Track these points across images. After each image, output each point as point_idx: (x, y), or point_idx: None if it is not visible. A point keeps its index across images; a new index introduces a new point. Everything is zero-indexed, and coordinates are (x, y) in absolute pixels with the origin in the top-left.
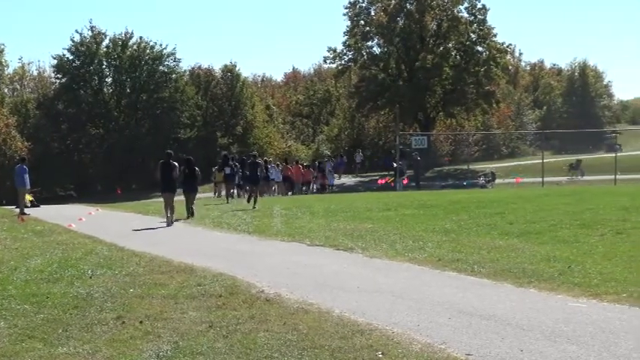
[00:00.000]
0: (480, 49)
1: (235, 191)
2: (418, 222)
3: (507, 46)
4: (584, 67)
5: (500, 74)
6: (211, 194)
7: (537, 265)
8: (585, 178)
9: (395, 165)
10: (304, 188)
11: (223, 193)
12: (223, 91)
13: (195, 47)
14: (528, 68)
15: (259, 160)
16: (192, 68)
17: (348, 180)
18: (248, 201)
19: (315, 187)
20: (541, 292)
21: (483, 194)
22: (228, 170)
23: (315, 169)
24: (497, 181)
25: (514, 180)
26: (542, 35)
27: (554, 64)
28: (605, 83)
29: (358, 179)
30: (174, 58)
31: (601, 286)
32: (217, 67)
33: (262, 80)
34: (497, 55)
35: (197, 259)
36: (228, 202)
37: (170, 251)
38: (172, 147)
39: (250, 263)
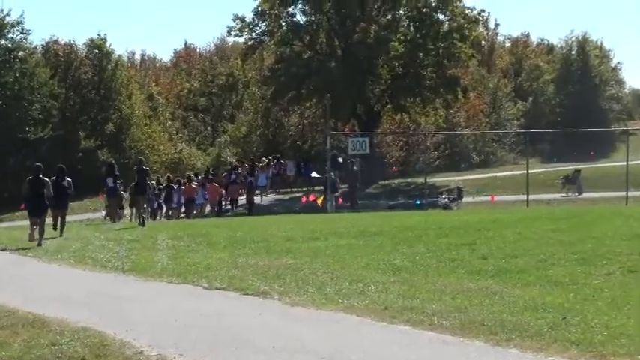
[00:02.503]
0: (441, 17)
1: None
2: (357, 256)
3: (479, 14)
4: (583, 44)
5: (468, 52)
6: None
7: (520, 315)
8: (585, 195)
9: (320, 176)
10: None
11: (123, 212)
12: (89, 76)
13: (50, 15)
14: (508, 45)
15: (147, 167)
16: (47, 43)
17: (261, 197)
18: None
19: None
20: (525, 352)
21: (447, 218)
22: (111, 182)
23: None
24: (466, 199)
25: (488, 198)
26: (528, 3)
27: (543, 40)
28: (612, 65)
29: (274, 197)
30: (22, 29)
31: (607, 344)
32: (81, 43)
33: (143, 60)
34: (466, 26)
35: (51, 307)
36: (141, 225)
37: (14, 296)
38: (19, 151)
39: (125, 313)
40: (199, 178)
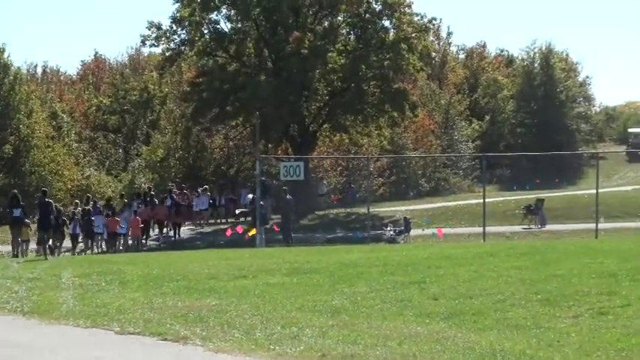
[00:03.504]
0: (386, 24)
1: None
2: (290, 296)
3: (429, 22)
4: (547, 55)
5: (417, 65)
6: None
7: None
8: (550, 227)
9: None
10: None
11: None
12: None
13: None
14: (462, 56)
15: (50, 200)
16: None
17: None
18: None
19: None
20: None
21: (392, 253)
22: (17, 213)
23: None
24: (414, 232)
25: (437, 231)
26: (486, 12)
27: (502, 50)
28: (580, 80)
29: (196, 230)
30: None
31: None
32: None
33: (45, 73)
34: (413, 36)
35: None
36: (45, 258)
37: None
38: None
39: None
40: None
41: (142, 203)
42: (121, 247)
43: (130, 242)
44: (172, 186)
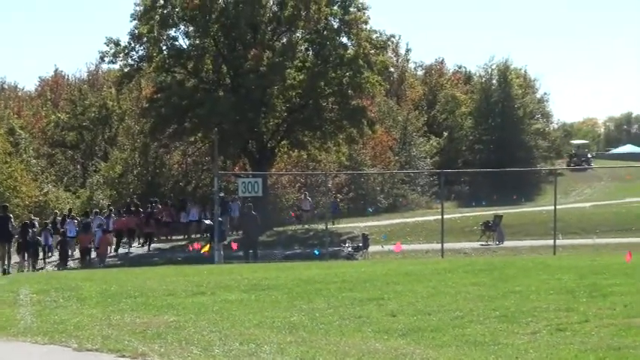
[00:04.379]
0: (344, 41)
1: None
2: (248, 313)
3: (388, 39)
4: (505, 72)
5: (375, 81)
6: None
7: None
8: (508, 244)
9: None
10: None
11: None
12: None
13: None
14: (421, 73)
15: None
16: None
17: (139, 248)
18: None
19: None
20: None
21: (350, 269)
22: None
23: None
24: (372, 248)
25: (394, 247)
26: (444, 29)
27: (460, 67)
28: (538, 97)
29: (153, 246)
30: None
31: None
32: None
33: (3, 89)
34: (372, 52)
35: None
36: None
37: None
38: None
39: None
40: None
41: (115, 214)
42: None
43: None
44: (155, 200)
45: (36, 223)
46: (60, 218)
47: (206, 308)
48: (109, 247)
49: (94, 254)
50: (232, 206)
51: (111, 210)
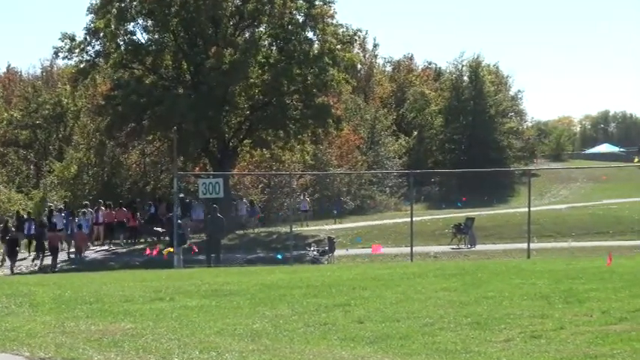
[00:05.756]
0: (310, 36)
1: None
2: (209, 320)
3: (354, 34)
4: (476, 68)
5: (342, 78)
6: None
7: None
8: (480, 247)
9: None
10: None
11: None
12: None
13: None
14: (389, 69)
15: None
16: None
17: (94, 251)
18: None
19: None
20: None
21: (316, 274)
22: None
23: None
24: (339, 252)
25: (365, 251)
26: (413, 24)
27: (430, 63)
28: (511, 94)
29: (110, 249)
30: None
31: None
32: None
33: None
34: (338, 48)
35: None
36: None
37: None
38: None
39: None
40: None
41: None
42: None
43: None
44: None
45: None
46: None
47: (165, 315)
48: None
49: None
50: (195, 208)
51: (100, 203)
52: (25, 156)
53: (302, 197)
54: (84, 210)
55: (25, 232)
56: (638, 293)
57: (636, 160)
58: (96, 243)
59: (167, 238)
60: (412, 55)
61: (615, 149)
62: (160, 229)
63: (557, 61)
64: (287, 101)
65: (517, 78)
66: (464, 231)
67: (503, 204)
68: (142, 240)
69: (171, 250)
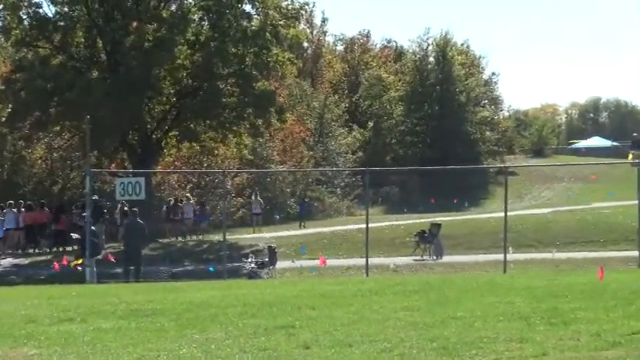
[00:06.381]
0: (248, 10)
1: None
2: (127, 344)
3: (300, 8)
4: (444, 47)
5: (285, 59)
6: None
7: None
8: (447, 259)
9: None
10: None
11: None
12: None
13: None
14: (341, 48)
15: None
16: None
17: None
18: None
19: None
20: None
21: (254, 290)
22: None
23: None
24: (281, 264)
25: (312, 262)
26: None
27: (390, 41)
28: (485, 78)
29: (11, 262)
30: None
31: None
32: None
33: None
34: (281, 24)
35: None
36: None
37: None
38: None
39: None
40: None
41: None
42: None
43: None
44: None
45: None
46: None
47: (75, 339)
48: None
49: None
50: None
51: (20, 203)
52: None
53: (253, 198)
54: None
55: None
56: (634, 313)
57: (630, 156)
58: (8, 252)
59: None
60: (368, 32)
61: (607, 143)
62: (77, 235)
63: (539, 40)
64: (221, 86)
65: (491, 59)
66: (428, 239)
67: (476, 207)
68: (70, 248)
69: (80, 261)
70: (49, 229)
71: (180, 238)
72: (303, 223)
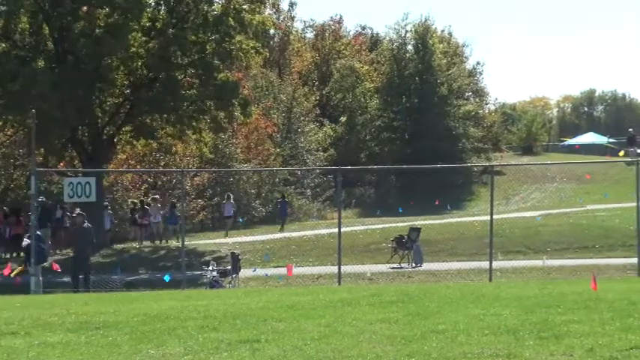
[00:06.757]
0: None
1: None
2: None
3: None
4: (424, 35)
5: (250, 47)
6: None
7: None
8: (427, 266)
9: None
10: None
11: None
12: None
13: None
14: (311, 36)
15: None
16: None
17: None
18: None
19: None
20: None
21: (215, 301)
22: None
23: None
24: (245, 272)
25: (280, 271)
26: None
27: (364, 28)
28: (469, 68)
29: None
30: None
31: None
32: None
33: None
34: (245, 8)
35: None
36: None
37: None
38: None
39: None
40: None
41: None
42: None
43: None
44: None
45: None
46: None
47: (18, 354)
48: None
49: None
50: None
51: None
52: None
53: (226, 199)
54: None
55: None
56: (632, 326)
57: (622, 152)
58: None
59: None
60: (341, 18)
61: (603, 139)
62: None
63: (527, 28)
64: (179, 77)
65: (476, 48)
66: (407, 245)
67: (459, 210)
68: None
69: (22, 269)
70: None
71: (147, 243)
72: (282, 225)
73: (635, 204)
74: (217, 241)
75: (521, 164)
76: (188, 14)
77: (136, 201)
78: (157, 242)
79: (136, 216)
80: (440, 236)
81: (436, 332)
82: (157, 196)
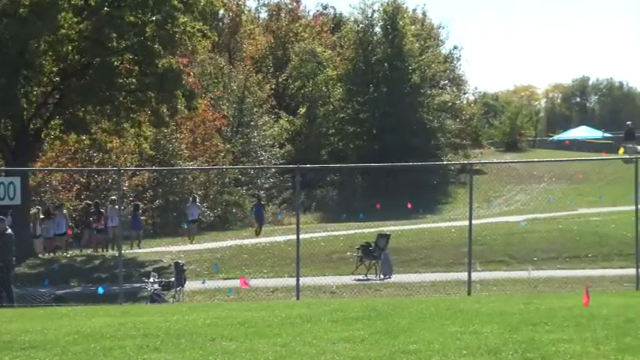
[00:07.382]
0: None
1: None
2: None
3: None
4: (393, 16)
5: (196, 29)
6: None
7: None
8: (397, 278)
9: None
10: None
11: None
12: None
13: None
14: (265, 16)
15: None
16: None
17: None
18: None
19: None
20: None
21: (157, 317)
22: None
23: None
24: (191, 285)
25: (231, 283)
26: None
27: (326, 7)
28: (445, 53)
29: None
30: None
31: None
32: None
33: None
34: None
35: None
36: None
37: None
38: None
39: None
40: None
41: None
42: None
43: None
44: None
45: None
46: None
47: None
48: None
49: None
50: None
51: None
52: None
53: (190, 201)
54: None
55: None
56: (629, 346)
57: (622, 150)
58: None
59: None
60: None
61: (598, 134)
62: None
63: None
64: (115, 63)
65: (453, 30)
66: (374, 254)
67: (433, 214)
68: None
69: None
70: None
71: (100, 251)
72: (257, 230)
73: (633, 207)
74: (159, 249)
75: (505, 162)
76: None
77: (90, 202)
78: (110, 250)
79: (91, 219)
80: (412, 244)
81: (407, 353)
82: (114, 197)
